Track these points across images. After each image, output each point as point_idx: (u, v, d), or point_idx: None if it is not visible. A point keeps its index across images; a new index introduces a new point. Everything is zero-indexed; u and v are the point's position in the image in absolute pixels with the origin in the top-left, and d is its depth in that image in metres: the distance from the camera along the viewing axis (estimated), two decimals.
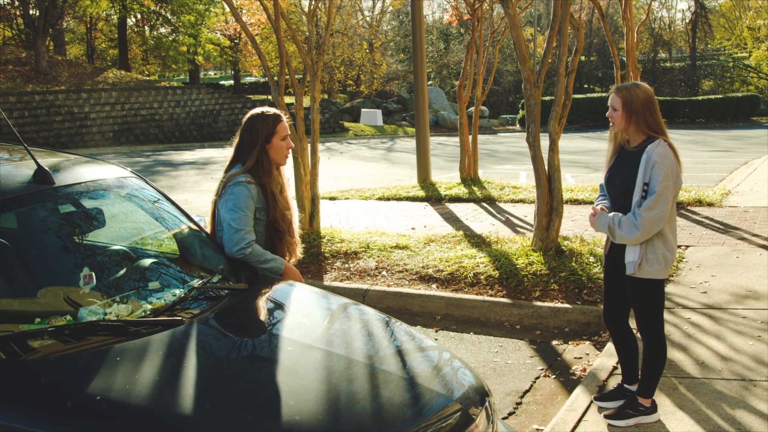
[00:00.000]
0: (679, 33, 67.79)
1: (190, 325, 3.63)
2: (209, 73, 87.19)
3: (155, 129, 36.03)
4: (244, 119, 5.07)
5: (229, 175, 4.95)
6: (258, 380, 3.30)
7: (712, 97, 50.31)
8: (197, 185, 19.51)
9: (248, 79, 65.64)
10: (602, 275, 8.39)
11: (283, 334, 3.85)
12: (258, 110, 5.09)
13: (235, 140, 5.08)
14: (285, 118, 5.11)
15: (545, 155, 9.33)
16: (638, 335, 5.53)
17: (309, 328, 4.06)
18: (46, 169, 4.00)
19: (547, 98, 34.24)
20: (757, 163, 20.98)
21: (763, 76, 59.22)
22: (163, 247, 4.72)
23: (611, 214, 5.14)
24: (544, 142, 8.98)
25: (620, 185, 5.16)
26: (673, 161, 4.97)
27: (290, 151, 5.15)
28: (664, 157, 4.93)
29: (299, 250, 5.37)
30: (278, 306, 4.28)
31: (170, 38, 52.63)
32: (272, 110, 5.10)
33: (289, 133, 5.08)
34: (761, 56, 57.41)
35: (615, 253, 5.32)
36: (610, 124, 5.20)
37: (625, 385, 5.59)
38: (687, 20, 65.32)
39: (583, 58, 57.03)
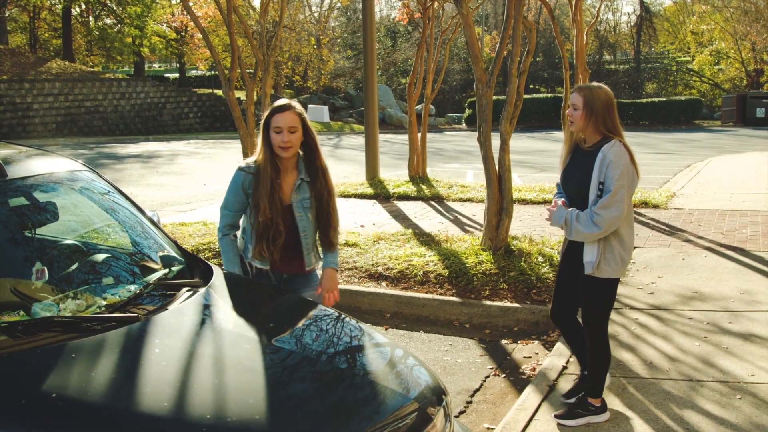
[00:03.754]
0: (624, 36, 68.58)
1: (145, 322, 3.58)
2: (154, 65, 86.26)
3: (99, 121, 35.59)
4: None
5: None
6: (213, 378, 3.25)
7: (656, 100, 50.96)
8: (142, 179, 19.32)
9: (194, 73, 65.02)
10: (551, 275, 8.47)
11: (239, 331, 3.82)
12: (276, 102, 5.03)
13: None
14: (291, 112, 4.87)
15: (496, 155, 9.36)
16: None
17: (264, 325, 4.04)
18: None
19: (497, 98, 34.44)
20: (700, 166, 21.32)
21: (705, 80, 60.16)
22: (118, 241, 4.65)
23: (570, 209, 5.16)
24: (495, 142, 9.02)
25: (576, 184, 5.18)
26: (628, 162, 5.01)
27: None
28: (620, 156, 4.97)
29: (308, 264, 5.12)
30: (233, 302, 4.22)
31: (115, 29, 51.88)
32: (282, 102, 4.98)
33: (286, 126, 4.81)
34: (704, 60, 58.37)
35: (572, 251, 5.33)
36: (569, 122, 5.20)
37: (585, 372, 5.60)
38: (632, 23, 66.08)
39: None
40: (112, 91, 36.85)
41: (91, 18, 53.45)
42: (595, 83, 5.25)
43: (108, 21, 52.98)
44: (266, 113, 4.93)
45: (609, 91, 5.22)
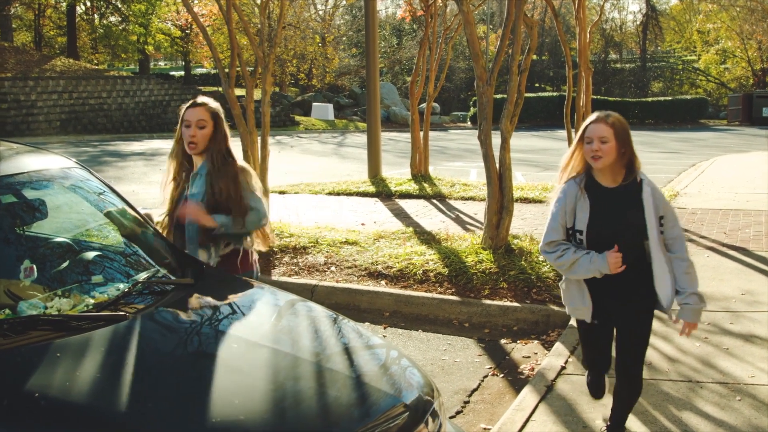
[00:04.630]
0: (630, 35, 68.41)
1: (133, 321, 3.55)
2: (159, 63, 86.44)
3: (103, 119, 35.56)
4: None
5: None
6: (202, 378, 3.21)
7: (662, 99, 50.87)
8: (145, 176, 19.29)
9: (199, 71, 65.12)
10: (552, 274, 8.41)
11: (229, 331, 3.78)
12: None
13: None
14: (199, 107, 5.01)
15: (497, 153, 9.31)
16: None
17: (255, 324, 4.00)
18: None
19: (499, 96, 34.40)
20: (705, 165, 21.24)
21: (711, 80, 60.05)
22: (108, 240, 4.61)
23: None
24: (496, 140, 8.97)
25: (624, 230, 4.58)
26: None
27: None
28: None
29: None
30: (224, 302, 4.19)
31: (120, 27, 52.03)
32: (198, 99, 5.10)
33: (194, 120, 4.95)
34: (710, 59, 58.29)
35: (624, 292, 4.71)
36: (590, 158, 4.57)
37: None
38: (638, 22, 65.94)
39: (535, 57, 57.29)
40: (117, 89, 36.82)
41: (95, 16, 53.52)
42: (607, 112, 4.70)
43: (113, 19, 53.11)
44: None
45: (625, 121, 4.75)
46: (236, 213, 4.97)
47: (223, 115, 5.11)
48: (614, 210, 4.60)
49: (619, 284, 4.64)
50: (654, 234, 4.52)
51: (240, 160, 5.16)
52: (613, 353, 4.97)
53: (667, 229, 4.60)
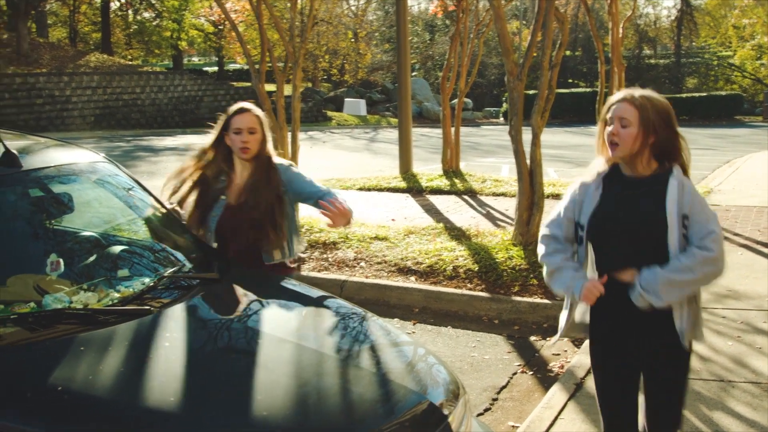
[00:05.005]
0: (665, 30, 67.82)
1: (157, 315, 3.55)
2: (193, 59, 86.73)
3: (137, 114, 35.75)
4: None
5: None
6: (226, 373, 3.21)
7: (696, 95, 50.38)
8: None
9: (232, 66, 65.26)
10: None
11: (254, 326, 3.78)
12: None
13: None
14: (248, 113, 4.86)
15: (527, 149, 9.25)
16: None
17: (281, 320, 3.99)
18: (13, 151, 3.88)
19: (531, 92, 34.27)
20: (740, 162, 21.00)
21: (747, 75, 59.42)
22: (134, 234, 4.61)
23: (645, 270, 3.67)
24: (527, 135, 8.91)
25: (637, 223, 3.71)
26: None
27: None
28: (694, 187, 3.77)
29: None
30: (250, 297, 4.18)
31: (154, 23, 52.34)
32: (245, 105, 4.97)
33: (245, 126, 4.78)
34: (745, 55, 57.60)
35: (638, 331, 3.83)
36: (607, 143, 3.76)
37: None
38: (672, 17, 65.40)
39: (568, 52, 57.08)
40: (150, 85, 37.01)
41: (129, 12, 53.84)
42: (647, 91, 3.79)
43: (146, 15, 53.42)
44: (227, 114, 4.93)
45: (666, 102, 3.81)
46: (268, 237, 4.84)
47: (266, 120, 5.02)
48: (628, 203, 3.74)
49: (632, 305, 3.73)
50: (674, 236, 3.62)
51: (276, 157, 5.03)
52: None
53: (694, 231, 3.64)
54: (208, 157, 4.93)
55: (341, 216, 4.50)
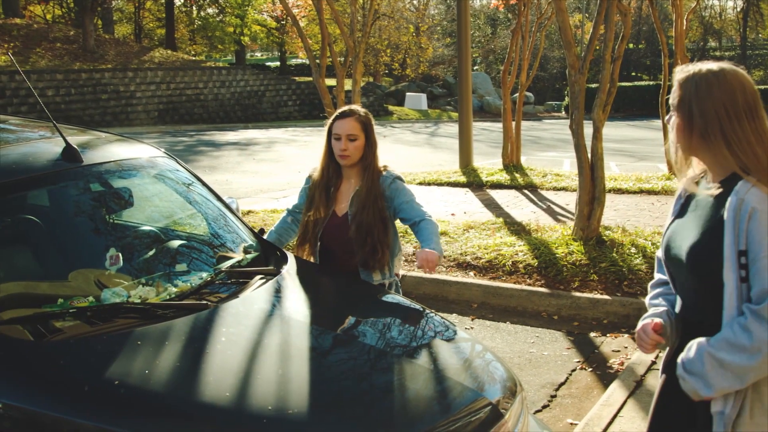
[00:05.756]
0: (730, 22, 66.78)
1: (214, 310, 3.56)
2: (255, 54, 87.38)
3: (200, 109, 36.10)
4: None
5: None
6: (282, 368, 3.21)
7: (762, 87, 49.51)
8: (239, 166, 19.51)
9: (294, 61, 65.64)
10: (644, 267, 8.22)
11: (310, 321, 3.78)
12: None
13: None
14: (348, 118, 4.67)
15: (588, 143, 9.16)
16: None
17: (338, 316, 4.00)
18: (75, 146, 3.93)
19: (592, 85, 33.96)
20: None
21: None
22: (192, 229, 4.64)
23: (692, 344, 2.74)
24: (588, 129, 8.82)
25: (689, 256, 2.79)
26: None
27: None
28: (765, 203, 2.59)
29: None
30: (308, 292, 4.17)
31: (217, 19, 52.82)
32: (347, 108, 4.78)
33: (344, 133, 4.61)
34: None
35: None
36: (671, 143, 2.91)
37: None
38: (738, 9, 64.34)
39: (631, 45, 56.43)
40: (213, 80, 37.33)
41: (193, 8, 54.41)
42: (710, 64, 2.76)
43: (210, 11, 53.90)
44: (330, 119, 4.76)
45: (739, 77, 2.72)
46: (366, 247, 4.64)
47: (373, 123, 4.83)
48: (690, 228, 2.85)
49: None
50: (730, 278, 2.62)
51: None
52: None
53: (753, 274, 2.58)
54: (321, 163, 4.80)
55: (431, 268, 4.31)
